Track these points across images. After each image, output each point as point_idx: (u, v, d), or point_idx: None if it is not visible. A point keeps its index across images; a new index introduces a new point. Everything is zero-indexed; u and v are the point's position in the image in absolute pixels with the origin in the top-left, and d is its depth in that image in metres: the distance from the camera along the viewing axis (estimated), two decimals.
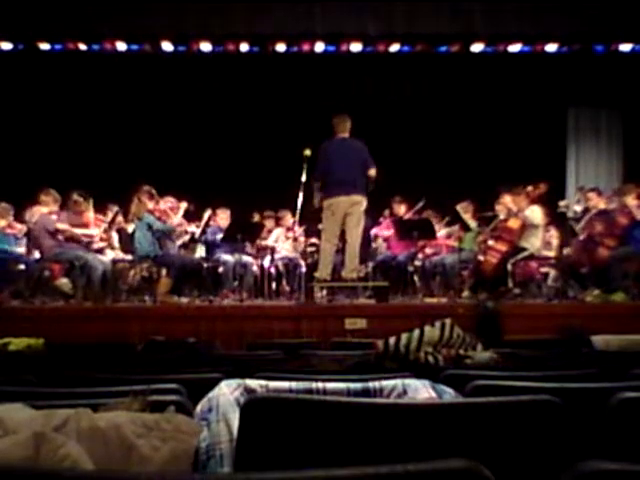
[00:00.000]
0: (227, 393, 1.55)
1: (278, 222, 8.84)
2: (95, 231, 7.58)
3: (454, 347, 2.69)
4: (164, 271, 7.27)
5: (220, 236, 8.06)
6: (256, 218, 8.80)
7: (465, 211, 7.84)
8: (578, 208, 8.23)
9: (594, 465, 0.92)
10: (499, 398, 1.44)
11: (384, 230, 8.63)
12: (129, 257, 7.83)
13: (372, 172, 6.59)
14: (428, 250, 8.26)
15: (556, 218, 8.06)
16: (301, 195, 6.86)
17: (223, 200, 8.64)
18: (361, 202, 6.62)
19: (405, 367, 2.42)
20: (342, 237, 6.88)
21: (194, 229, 8.19)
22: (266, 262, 8.37)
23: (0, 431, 1.18)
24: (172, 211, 7.68)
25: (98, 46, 9.37)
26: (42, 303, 6.90)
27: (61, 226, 7.15)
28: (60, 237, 7.14)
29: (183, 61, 9.72)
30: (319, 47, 9.38)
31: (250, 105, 10.22)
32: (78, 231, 7.27)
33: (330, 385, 1.64)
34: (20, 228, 7.65)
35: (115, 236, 8.30)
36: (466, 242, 8.02)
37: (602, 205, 7.40)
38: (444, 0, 8.78)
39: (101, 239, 7.82)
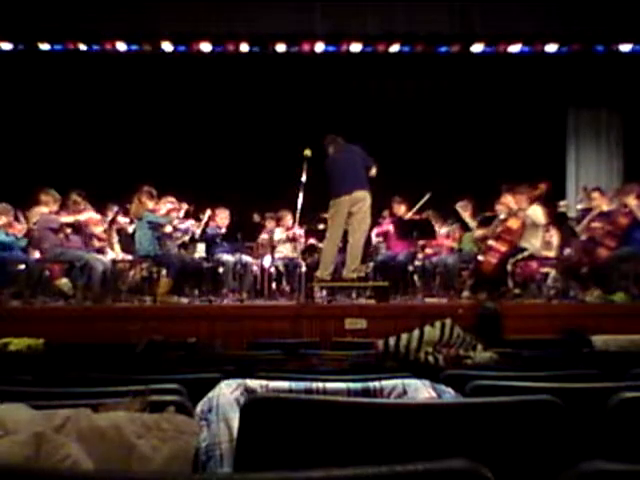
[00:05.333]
0: (227, 393, 1.55)
1: (278, 222, 8.84)
2: (95, 229, 7.60)
3: (454, 347, 2.69)
4: (164, 271, 7.27)
5: (220, 236, 8.06)
6: (256, 218, 8.79)
7: (464, 210, 7.84)
8: (579, 208, 8.23)
9: (594, 465, 0.92)
10: (499, 398, 1.44)
11: (384, 230, 8.62)
12: (129, 257, 7.83)
13: (373, 172, 6.75)
14: (428, 250, 8.26)
15: (556, 218, 8.06)
16: (301, 195, 6.86)
17: (223, 200, 8.64)
18: (365, 198, 6.66)
19: (405, 367, 2.42)
20: (344, 236, 6.90)
21: (194, 228, 8.17)
22: (266, 262, 8.37)
23: (0, 431, 1.18)
24: (173, 212, 7.69)
25: (98, 46, 9.35)
26: (42, 303, 6.89)
27: (65, 219, 7.15)
28: (62, 235, 7.13)
29: (183, 61, 9.72)
30: (319, 47, 9.38)
31: (250, 105, 10.22)
32: (82, 217, 7.27)
33: (330, 385, 1.64)
34: (20, 228, 7.64)
35: (115, 236, 8.29)
36: (466, 242, 8.02)
37: (605, 206, 7.38)
38: (444, 0, 8.78)
39: (101, 239, 7.82)
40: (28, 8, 8.47)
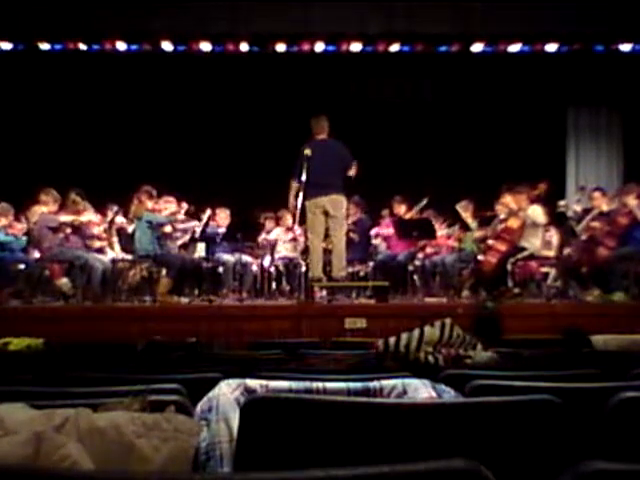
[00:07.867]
0: (227, 393, 1.55)
1: (278, 222, 8.84)
2: (95, 229, 7.60)
3: (454, 347, 2.69)
4: (164, 271, 7.27)
5: (220, 235, 8.06)
6: (256, 218, 8.78)
7: (465, 210, 7.85)
8: (578, 208, 8.23)
9: (594, 465, 0.92)
10: (499, 398, 1.44)
11: (384, 230, 8.62)
12: (129, 257, 7.83)
13: (353, 171, 6.76)
14: (428, 250, 8.26)
15: (556, 218, 8.06)
16: (301, 195, 6.86)
17: (223, 200, 8.64)
18: (341, 201, 6.78)
19: (405, 367, 2.42)
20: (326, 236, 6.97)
21: (194, 224, 8.16)
22: (266, 262, 8.37)
23: (0, 431, 1.18)
24: (174, 215, 7.70)
25: (98, 46, 9.35)
26: (42, 303, 6.90)
27: (64, 218, 7.14)
28: (62, 234, 7.13)
29: (183, 61, 9.72)
30: (319, 47, 9.38)
31: (250, 105, 10.21)
32: (82, 217, 7.28)
33: (330, 385, 1.64)
34: (20, 228, 7.64)
35: (115, 236, 8.29)
36: (466, 242, 8.02)
37: (605, 206, 7.38)
38: (444, 0, 8.78)
39: (100, 238, 7.82)
40: (28, 8, 8.47)
